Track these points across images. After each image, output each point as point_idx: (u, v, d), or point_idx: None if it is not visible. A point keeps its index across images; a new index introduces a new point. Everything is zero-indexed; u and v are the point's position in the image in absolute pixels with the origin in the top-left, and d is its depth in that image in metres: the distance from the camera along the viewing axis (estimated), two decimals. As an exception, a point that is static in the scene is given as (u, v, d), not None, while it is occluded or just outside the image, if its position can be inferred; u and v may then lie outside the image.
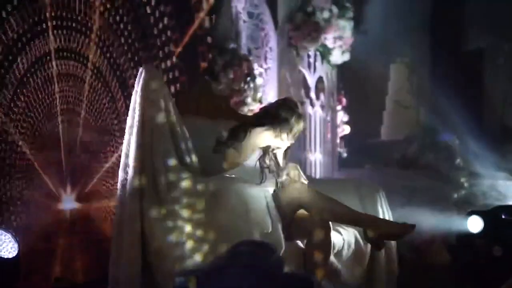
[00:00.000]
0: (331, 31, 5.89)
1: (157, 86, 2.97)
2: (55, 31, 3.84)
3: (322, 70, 6.15)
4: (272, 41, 6.07)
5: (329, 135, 6.33)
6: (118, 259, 2.87)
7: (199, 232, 2.79)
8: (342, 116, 7.04)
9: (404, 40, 7.14)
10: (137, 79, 2.98)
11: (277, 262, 1.56)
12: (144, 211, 2.85)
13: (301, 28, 5.73)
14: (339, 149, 6.98)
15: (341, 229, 3.42)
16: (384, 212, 3.65)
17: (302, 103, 5.97)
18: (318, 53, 6.07)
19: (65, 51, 3.90)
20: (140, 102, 2.93)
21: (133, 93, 2.98)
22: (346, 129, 7.02)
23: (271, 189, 3.02)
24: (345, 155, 7.04)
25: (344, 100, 7.11)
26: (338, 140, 7.01)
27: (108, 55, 4.13)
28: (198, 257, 2.76)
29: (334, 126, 6.39)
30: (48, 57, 3.83)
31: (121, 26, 4.34)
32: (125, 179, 2.92)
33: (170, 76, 4.72)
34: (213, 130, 3.46)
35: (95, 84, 4.07)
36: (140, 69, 2.99)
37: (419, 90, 6.43)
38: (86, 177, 4.00)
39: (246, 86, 5.27)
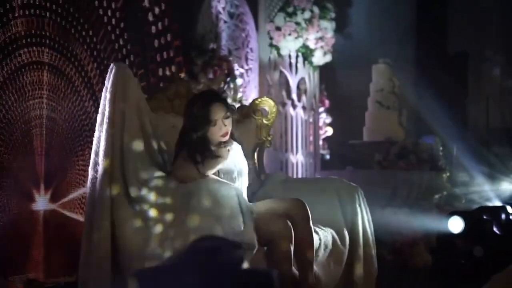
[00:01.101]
0: (312, 31, 5.86)
1: (127, 83, 2.91)
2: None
3: (304, 71, 6.10)
4: (253, 42, 6.03)
5: (311, 137, 6.29)
6: (87, 259, 2.80)
7: (170, 232, 2.73)
8: (324, 118, 7.03)
9: (389, 41, 7.14)
10: (107, 76, 2.92)
11: (237, 259, 1.49)
12: (114, 211, 2.78)
13: (282, 28, 5.69)
14: (321, 151, 6.96)
15: (317, 229, 3.36)
16: (363, 211, 3.60)
17: (284, 104, 5.94)
18: (299, 54, 6.02)
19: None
20: (110, 99, 2.87)
21: (103, 90, 2.92)
22: (328, 131, 7.00)
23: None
24: (327, 156, 7.02)
25: (327, 102, 7.10)
26: (320, 142, 6.99)
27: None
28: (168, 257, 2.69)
29: (317, 128, 6.34)
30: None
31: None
32: (95, 177, 2.86)
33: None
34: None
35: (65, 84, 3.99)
36: (111, 66, 2.93)
37: (402, 91, 6.41)
38: (61, 178, 3.93)
39: (225, 87, 5.22)
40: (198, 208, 2.73)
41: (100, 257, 2.77)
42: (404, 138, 5.94)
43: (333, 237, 3.41)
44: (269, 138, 4.01)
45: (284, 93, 6.01)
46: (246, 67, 6.07)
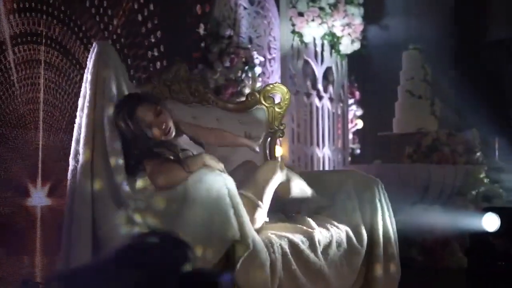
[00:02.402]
0: (338, 17, 5.51)
1: (109, 62, 2.62)
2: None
3: (330, 60, 5.75)
4: (276, 30, 5.71)
5: (339, 130, 5.93)
6: (67, 253, 2.53)
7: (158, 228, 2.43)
8: (355, 110, 6.67)
9: (423, 27, 6.73)
10: (89, 56, 2.64)
11: (178, 258, 1.19)
12: (94, 205, 2.50)
13: (305, 14, 5.35)
14: (351, 145, 6.60)
15: (329, 225, 3.04)
16: (383, 205, 3.27)
17: (309, 95, 5.60)
18: (325, 42, 5.68)
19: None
20: (91, 80, 2.59)
21: (85, 71, 2.64)
22: (358, 124, 6.64)
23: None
24: (358, 151, 6.66)
25: (357, 93, 6.73)
26: (350, 135, 6.63)
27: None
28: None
29: (345, 120, 5.99)
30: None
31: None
32: (75, 167, 2.58)
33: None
34: (186, 115, 3.11)
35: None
36: (93, 45, 2.65)
37: (435, 80, 5.99)
38: (59, 172, 3.68)
39: (243, 76, 4.92)
40: (186, 215, 2.41)
41: (80, 251, 2.50)
42: (437, 130, 5.53)
43: (348, 235, 3.09)
44: (282, 128, 3.71)
45: (308, 83, 5.66)
46: (269, 56, 5.75)
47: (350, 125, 6.49)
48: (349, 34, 5.69)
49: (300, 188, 3.09)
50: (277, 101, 3.71)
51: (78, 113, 2.62)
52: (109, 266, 1.25)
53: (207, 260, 2.32)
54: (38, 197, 3.57)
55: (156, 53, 4.37)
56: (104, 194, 2.51)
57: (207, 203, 2.34)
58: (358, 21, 5.69)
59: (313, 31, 5.41)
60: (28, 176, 3.55)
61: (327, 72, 5.87)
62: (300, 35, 5.43)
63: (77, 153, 2.59)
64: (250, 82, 4.93)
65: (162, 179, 2.49)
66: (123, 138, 2.59)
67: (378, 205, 3.26)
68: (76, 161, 2.59)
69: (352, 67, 6.36)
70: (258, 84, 5.03)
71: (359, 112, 6.67)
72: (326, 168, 5.67)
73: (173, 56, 4.55)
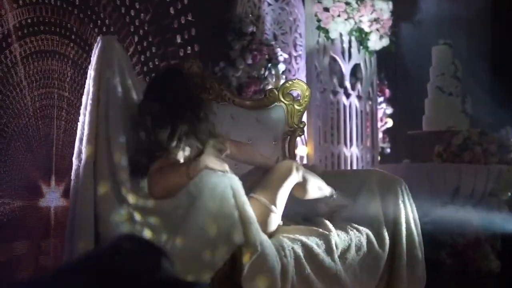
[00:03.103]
0: (365, 12, 5.33)
1: (113, 58, 2.52)
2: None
3: (358, 57, 5.57)
4: (302, 27, 5.56)
5: (368, 129, 5.75)
6: (69, 253, 2.45)
7: (164, 236, 2.31)
8: (385, 108, 6.48)
9: (456, 22, 6.52)
10: (93, 52, 2.55)
11: (148, 266, 1.08)
12: (97, 207, 2.40)
13: (330, 9, 5.19)
14: (381, 144, 6.42)
15: (349, 228, 2.90)
16: (406, 206, 3.12)
17: (335, 92, 5.44)
18: (353, 38, 5.50)
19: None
20: (94, 77, 2.49)
21: (89, 68, 2.55)
22: (388, 122, 6.45)
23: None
24: (388, 150, 6.48)
25: (387, 91, 6.54)
26: (380, 134, 6.45)
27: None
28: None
29: (374, 119, 5.80)
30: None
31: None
32: (79, 167, 2.48)
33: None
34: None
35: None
36: (98, 39, 2.55)
37: (466, 76, 5.76)
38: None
39: (266, 73, 4.79)
40: (190, 219, 2.29)
41: (82, 251, 2.40)
42: (468, 128, 5.32)
43: (368, 238, 2.96)
44: (301, 126, 3.58)
45: (335, 81, 5.50)
46: (294, 54, 5.61)
47: (379, 124, 6.32)
48: (377, 29, 5.50)
49: (318, 188, 2.96)
50: (295, 98, 3.59)
51: (81, 111, 2.52)
52: (75, 272, 1.15)
53: (211, 265, 2.21)
54: (52, 197, 3.50)
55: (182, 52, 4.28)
56: (107, 193, 2.41)
57: (211, 206, 2.22)
58: (386, 16, 5.51)
59: (339, 26, 5.24)
60: (41, 175, 3.48)
61: (356, 69, 5.70)
62: (326, 31, 5.27)
63: (80, 152, 2.50)
64: (274, 80, 4.80)
65: (160, 190, 2.39)
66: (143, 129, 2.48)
67: (402, 206, 3.12)
68: (79, 160, 2.49)
69: (381, 64, 6.18)
70: (282, 82, 4.89)
71: (389, 111, 6.48)
72: (354, 167, 5.50)
73: (194, 52, 4.46)
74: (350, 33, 5.43)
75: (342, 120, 5.44)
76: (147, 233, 2.32)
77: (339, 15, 5.21)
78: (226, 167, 2.35)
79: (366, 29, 5.47)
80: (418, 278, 3.12)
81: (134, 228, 2.34)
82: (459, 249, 4.49)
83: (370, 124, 5.77)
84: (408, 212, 3.13)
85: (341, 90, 5.47)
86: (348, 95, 5.52)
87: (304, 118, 5.31)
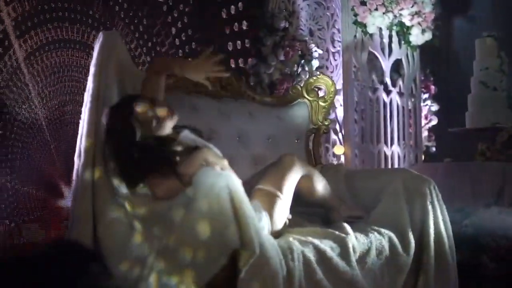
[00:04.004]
0: (405, 6, 5.12)
1: (113, 54, 2.44)
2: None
3: (400, 52, 5.36)
4: (340, 22, 5.39)
5: (411, 127, 5.53)
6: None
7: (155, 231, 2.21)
8: (430, 105, 6.23)
9: (503, 13, 6.21)
10: (95, 47, 2.47)
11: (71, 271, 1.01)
12: (95, 201, 2.32)
13: (367, 3, 5.00)
14: (426, 143, 6.18)
15: (370, 231, 2.76)
16: (435, 208, 2.97)
17: (375, 89, 5.24)
18: (394, 32, 5.29)
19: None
20: (94, 73, 2.41)
21: (91, 64, 2.47)
22: (433, 120, 6.20)
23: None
24: (433, 149, 6.22)
25: (432, 88, 6.29)
26: (426, 132, 6.21)
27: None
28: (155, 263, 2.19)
29: (418, 116, 5.57)
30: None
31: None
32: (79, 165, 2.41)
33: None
34: (212, 110, 2.89)
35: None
36: (99, 34, 2.47)
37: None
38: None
39: (299, 70, 4.65)
40: (186, 222, 2.19)
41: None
42: (514, 124, 5.04)
43: (391, 241, 2.81)
44: (326, 123, 3.44)
45: (374, 77, 5.30)
46: (332, 50, 5.45)
47: (424, 122, 6.07)
48: (419, 23, 5.28)
49: (325, 188, 2.84)
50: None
51: (83, 109, 2.45)
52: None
53: (207, 269, 2.09)
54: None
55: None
56: (104, 191, 2.33)
57: (206, 208, 2.11)
58: (428, 9, 5.28)
59: (377, 21, 5.04)
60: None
61: (399, 65, 5.48)
62: (363, 26, 5.08)
63: (81, 151, 2.43)
64: (307, 76, 4.64)
65: (162, 194, 2.30)
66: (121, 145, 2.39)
67: (430, 207, 2.96)
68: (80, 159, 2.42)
69: (427, 59, 5.94)
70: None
71: (435, 107, 6.22)
72: (396, 165, 5.29)
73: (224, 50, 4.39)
74: (389, 28, 5.22)
75: (382, 117, 5.24)
76: (137, 235, 2.23)
77: (376, 9, 5.02)
78: (225, 162, 2.25)
79: (407, 23, 5.26)
80: (447, 283, 2.95)
81: (129, 226, 2.25)
82: (502, 253, 4.24)
83: (413, 122, 5.55)
84: (437, 214, 2.98)
85: (381, 87, 5.27)
86: (388, 92, 5.32)
87: (341, 116, 5.21)
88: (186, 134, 2.59)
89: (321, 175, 2.88)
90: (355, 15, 5.08)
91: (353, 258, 2.58)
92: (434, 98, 6.26)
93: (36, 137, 3.35)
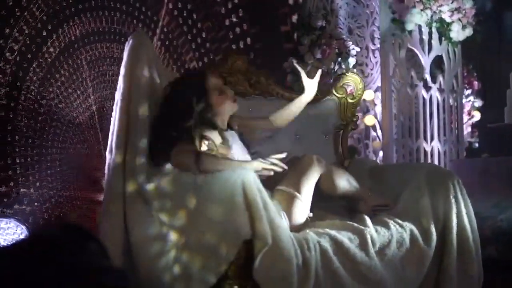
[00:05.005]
0: (445, 2, 5.14)
1: (143, 55, 2.60)
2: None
3: (440, 48, 5.38)
4: (379, 20, 5.45)
5: (453, 122, 5.54)
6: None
7: (179, 224, 2.36)
8: (473, 101, 6.21)
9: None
10: (125, 49, 2.64)
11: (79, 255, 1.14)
12: (127, 205, 2.49)
13: (405, 0, 5.04)
14: (469, 139, 6.16)
15: (392, 224, 2.84)
16: (459, 202, 3.01)
17: (413, 86, 5.28)
18: (434, 29, 5.31)
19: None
20: (124, 74, 2.58)
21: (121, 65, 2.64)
22: (476, 116, 6.18)
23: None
24: (476, 144, 6.21)
25: (476, 84, 6.27)
26: (469, 128, 6.19)
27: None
28: (177, 253, 2.34)
29: (459, 112, 5.58)
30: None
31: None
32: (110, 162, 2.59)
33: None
34: (241, 108, 3.03)
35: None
36: (129, 37, 2.64)
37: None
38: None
39: (336, 67, 4.73)
40: (203, 212, 2.34)
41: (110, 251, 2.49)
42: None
43: (412, 234, 2.88)
44: (355, 120, 3.53)
45: (413, 73, 5.34)
46: (372, 47, 5.51)
47: (466, 117, 6.06)
48: (459, 19, 5.29)
49: (347, 180, 2.93)
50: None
51: (114, 107, 2.62)
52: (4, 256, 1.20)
53: (221, 257, 2.23)
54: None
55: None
56: (134, 195, 2.48)
57: (221, 199, 2.25)
58: (469, 5, 5.28)
59: (415, 18, 5.08)
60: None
61: (441, 62, 5.50)
62: (401, 23, 5.12)
63: (112, 147, 2.60)
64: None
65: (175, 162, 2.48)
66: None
67: (453, 201, 3.02)
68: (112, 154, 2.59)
69: (471, 55, 5.93)
70: (352, 76, 4.81)
71: (478, 103, 6.21)
72: (436, 161, 5.32)
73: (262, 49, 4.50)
74: (429, 24, 5.25)
75: (421, 113, 5.28)
76: (168, 228, 2.38)
77: (414, 6, 5.05)
78: (276, 168, 2.41)
79: (447, 20, 5.27)
80: (470, 277, 3.00)
81: (159, 226, 2.41)
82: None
83: (454, 118, 5.56)
84: (460, 208, 3.03)
85: (420, 83, 5.30)
86: (428, 88, 5.34)
87: (379, 112, 5.28)
88: (232, 134, 2.76)
89: (343, 170, 2.97)
90: (393, 12, 5.13)
91: (371, 249, 2.67)
92: (478, 94, 6.24)
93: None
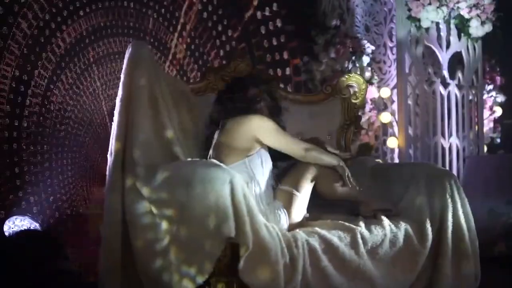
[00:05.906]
0: (462, -2, 5.14)
1: (142, 64, 2.73)
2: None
3: (459, 44, 5.39)
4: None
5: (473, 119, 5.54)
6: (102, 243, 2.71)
7: (173, 227, 2.49)
8: (495, 97, 6.18)
9: None
10: (125, 57, 2.78)
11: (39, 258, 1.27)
12: (125, 203, 2.63)
13: (421, -4, 5.07)
14: (491, 134, 6.15)
15: (386, 222, 2.90)
16: (455, 201, 3.03)
17: (431, 82, 5.31)
18: (452, 26, 5.33)
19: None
20: (123, 82, 2.72)
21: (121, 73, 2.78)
22: (497, 111, 6.15)
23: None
24: (498, 140, 6.19)
25: (498, 79, 6.24)
26: (491, 124, 6.18)
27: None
28: (168, 243, 2.48)
29: (480, 108, 5.58)
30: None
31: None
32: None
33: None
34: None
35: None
36: (129, 45, 2.78)
37: None
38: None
39: (350, 66, 4.80)
40: (191, 207, 2.46)
41: (111, 251, 2.65)
42: None
43: (406, 233, 2.93)
44: (358, 120, 3.60)
45: (430, 70, 5.37)
46: (390, 44, 5.55)
47: (488, 113, 6.05)
48: (477, 15, 5.28)
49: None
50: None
51: (115, 112, 2.76)
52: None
53: (207, 251, 2.36)
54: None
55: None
56: (132, 188, 2.62)
57: (209, 197, 2.37)
58: (487, 1, 5.27)
59: (430, 15, 5.11)
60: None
61: (461, 58, 5.51)
62: (417, 21, 5.15)
63: (112, 151, 2.74)
64: (358, 73, 4.79)
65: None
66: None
67: (449, 201, 3.05)
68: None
69: (491, 51, 5.91)
70: (367, 74, 4.89)
71: (500, 98, 6.18)
72: (454, 158, 5.34)
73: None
74: (447, 21, 5.27)
75: (439, 110, 5.30)
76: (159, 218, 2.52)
77: (430, 3, 5.07)
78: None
79: (466, 16, 5.28)
80: (465, 276, 3.01)
81: (151, 219, 2.54)
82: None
83: (473, 113, 5.56)
84: (456, 207, 3.04)
85: (438, 80, 5.32)
86: (446, 85, 5.36)
87: (395, 109, 5.32)
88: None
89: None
90: (409, 9, 5.16)
91: (362, 248, 2.73)
92: (501, 89, 6.21)
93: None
